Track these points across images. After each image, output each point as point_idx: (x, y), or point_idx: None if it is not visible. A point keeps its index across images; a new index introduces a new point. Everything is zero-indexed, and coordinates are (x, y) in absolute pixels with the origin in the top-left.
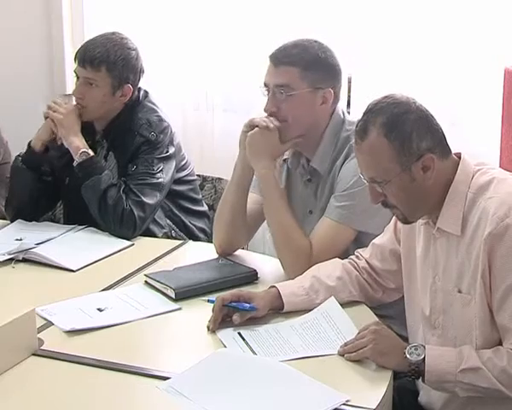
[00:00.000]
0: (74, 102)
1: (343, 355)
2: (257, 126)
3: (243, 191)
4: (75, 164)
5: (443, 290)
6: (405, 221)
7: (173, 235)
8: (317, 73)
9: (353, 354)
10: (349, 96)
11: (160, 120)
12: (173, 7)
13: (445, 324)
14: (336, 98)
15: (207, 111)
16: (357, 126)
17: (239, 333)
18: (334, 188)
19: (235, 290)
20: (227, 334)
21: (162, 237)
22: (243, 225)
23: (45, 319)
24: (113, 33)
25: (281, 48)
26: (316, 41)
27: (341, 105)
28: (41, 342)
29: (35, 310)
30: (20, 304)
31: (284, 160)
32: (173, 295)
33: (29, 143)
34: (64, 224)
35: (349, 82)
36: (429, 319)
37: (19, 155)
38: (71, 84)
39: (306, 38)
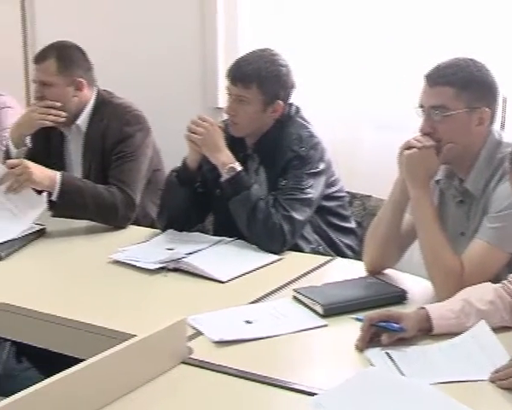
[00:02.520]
0: (224, 118)
1: (494, 382)
2: (413, 147)
3: (400, 213)
4: (222, 180)
5: None
6: None
7: (320, 250)
8: (474, 93)
9: (505, 381)
10: (503, 118)
11: (311, 135)
12: (324, 23)
13: None
14: (493, 118)
15: (357, 127)
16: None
17: (387, 353)
18: (487, 209)
19: (383, 310)
20: (375, 353)
21: (309, 253)
22: (396, 246)
23: (195, 328)
24: (264, 50)
25: (436, 68)
26: (471, 59)
27: (496, 126)
28: (190, 350)
29: (186, 319)
30: (170, 312)
31: (437, 181)
32: (321, 311)
33: (184, 160)
34: (213, 235)
35: (504, 102)
36: None
37: (173, 171)
38: (222, 98)
39: (462, 56)
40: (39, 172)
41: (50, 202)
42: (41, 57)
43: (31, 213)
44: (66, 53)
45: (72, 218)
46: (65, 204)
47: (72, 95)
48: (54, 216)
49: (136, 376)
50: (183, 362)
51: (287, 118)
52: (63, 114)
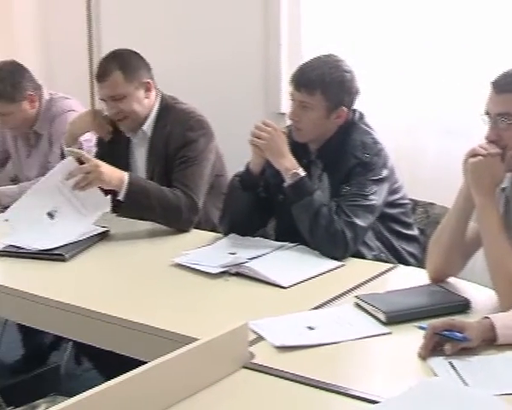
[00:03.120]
0: (287, 123)
1: None
2: (478, 155)
3: (464, 220)
4: (286, 185)
5: None
6: None
7: (383, 258)
8: None
9: None
10: None
11: (375, 142)
12: (388, 28)
13: None
14: None
15: (421, 134)
16: None
17: (450, 363)
18: None
19: (447, 319)
20: (438, 363)
21: (371, 260)
22: (460, 254)
23: (256, 333)
24: (329, 55)
25: (503, 75)
26: None
27: None
28: (252, 355)
29: (247, 324)
30: (232, 316)
31: (502, 189)
32: (384, 319)
33: (247, 165)
34: (275, 240)
35: None
36: None
37: (236, 175)
38: (285, 104)
39: None
40: (109, 171)
41: (116, 202)
42: (104, 74)
43: (95, 213)
44: (126, 60)
45: (136, 218)
46: (131, 204)
47: (143, 97)
48: (119, 216)
49: (197, 379)
50: (245, 367)
51: (350, 124)
52: (110, 129)
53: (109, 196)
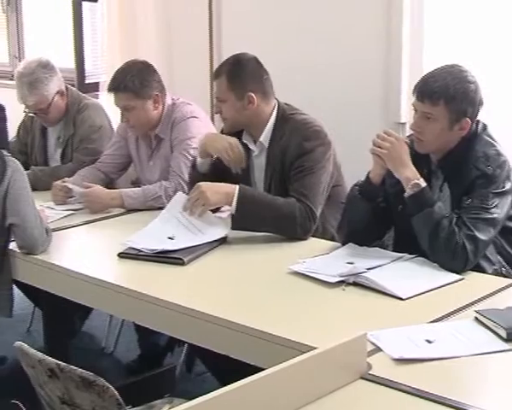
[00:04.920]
0: (408, 133)
1: None
2: None
3: None
4: (406, 195)
5: None
6: None
7: (503, 272)
8: None
9: None
10: None
11: (498, 154)
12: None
13: None
14: None
15: None
16: None
17: None
18: None
19: None
20: None
21: (492, 274)
22: None
23: (374, 344)
24: (453, 66)
25: None
26: None
27: None
28: (369, 366)
29: (366, 335)
30: (349, 326)
31: None
32: (505, 335)
33: (367, 175)
34: (393, 251)
35: None
36: None
37: (356, 185)
38: (405, 114)
39: None
40: (215, 191)
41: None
42: (216, 74)
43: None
44: (237, 70)
45: (251, 230)
46: (243, 217)
47: (243, 108)
48: (233, 229)
49: (315, 388)
50: (362, 377)
51: (473, 135)
52: (241, 166)
53: (229, 220)
